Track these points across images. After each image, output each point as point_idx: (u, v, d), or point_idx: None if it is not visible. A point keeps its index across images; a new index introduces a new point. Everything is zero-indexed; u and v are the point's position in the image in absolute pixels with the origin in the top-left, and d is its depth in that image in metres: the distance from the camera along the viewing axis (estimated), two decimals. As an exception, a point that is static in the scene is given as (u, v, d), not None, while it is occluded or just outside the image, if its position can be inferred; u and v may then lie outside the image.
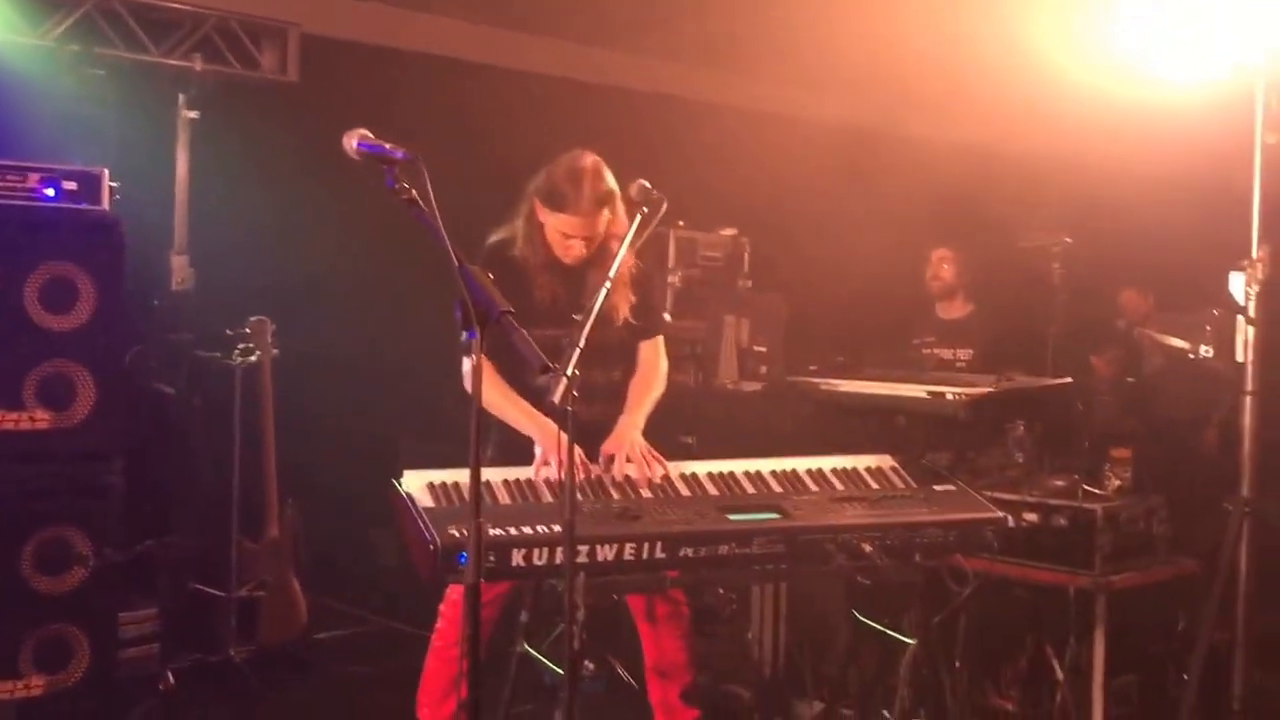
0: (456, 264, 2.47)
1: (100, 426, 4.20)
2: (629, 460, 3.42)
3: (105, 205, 4.27)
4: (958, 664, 4.04)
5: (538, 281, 3.53)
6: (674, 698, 3.75)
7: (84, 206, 4.23)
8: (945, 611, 3.79)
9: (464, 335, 2.49)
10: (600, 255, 3.50)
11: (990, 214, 5.97)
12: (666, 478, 3.43)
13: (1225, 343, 4.05)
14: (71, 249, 4.17)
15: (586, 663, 4.83)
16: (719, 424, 5.28)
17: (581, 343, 3.04)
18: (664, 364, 3.78)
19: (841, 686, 4.29)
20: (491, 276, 2.63)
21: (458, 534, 2.94)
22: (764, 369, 5.48)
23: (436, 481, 3.23)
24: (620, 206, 3.51)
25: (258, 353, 4.83)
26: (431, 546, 2.98)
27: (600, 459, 3.44)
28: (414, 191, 2.48)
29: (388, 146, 2.54)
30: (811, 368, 4.64)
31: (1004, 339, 5.22)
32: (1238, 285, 3.97)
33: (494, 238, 3.63)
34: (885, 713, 3.90)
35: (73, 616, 4.14)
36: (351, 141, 2.59)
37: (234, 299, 5.13)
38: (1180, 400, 6.03)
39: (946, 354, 5.40)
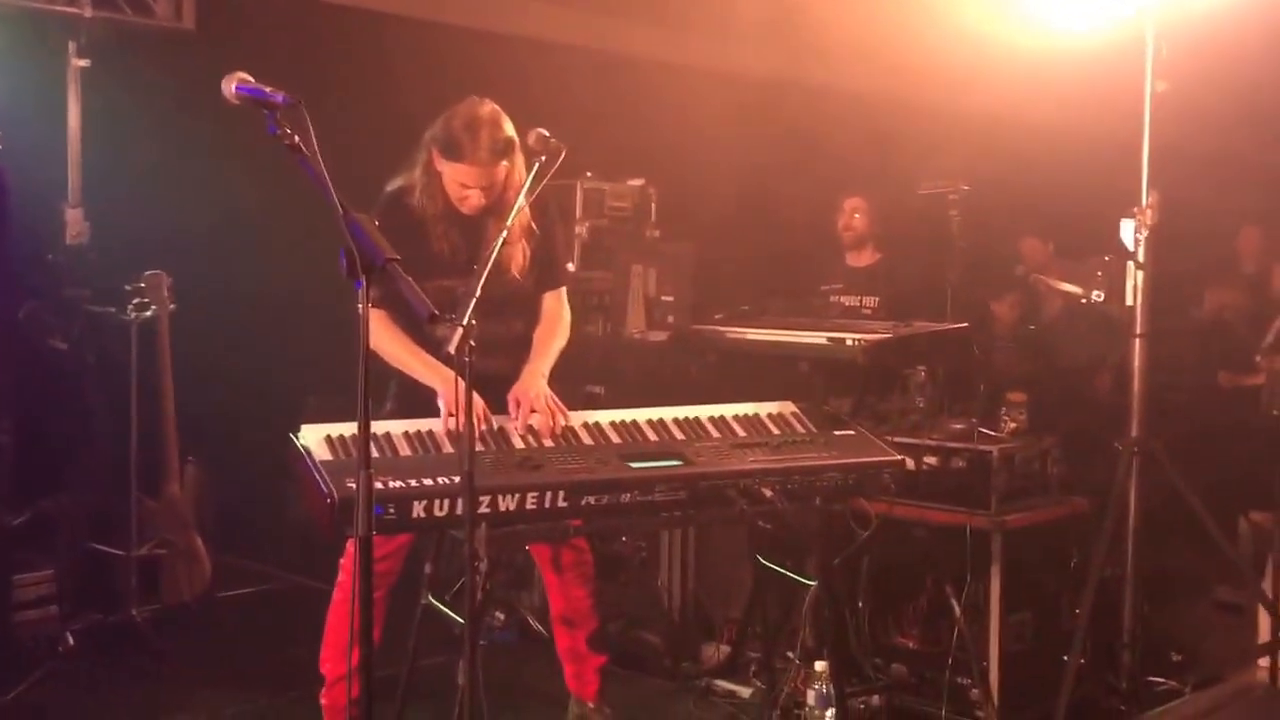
0: (340, 211, 2.42)
1: (-13, 384, 4.10)
2: (534, 410, 3.41)
3: (-14, 155, 4.13)
4: (860, 604, 4.13)
5: (436, 231, 3.47)
6: (581, 644, 3.78)
7: (-39, 156, 4.09)
8: (846, 553, 3.85)
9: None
10: (500, 205, 3.45)
11: (894, 163, 6.03)
12: (569, 428, 3.43)
13: (1116, 287, 4.15)
14: (-50, 200, 4.03)
15: (496, 613, 4.88)
16: (627, 374, 5.28)
17: (478, 292, 3.01)
18: (567, 314, 3.75)
19: (747, 629, 4.36)
20: (386, 224, 2.59)
21: (355, 486, 2.91)
22: (671, 318, 5.48)
23: (334, 435, 3.19)
24: (520, 156, 3.46)
25: (154, 307, 4.72)
26: (329, 500, 2.95)
27: (509, 405, 3.43)
28: (297, 137, 2.42)
29: (267, 90, 2.45)
30: (717, 316, 4.66)
31: (908, 286, 5.27)
32: (1128, 231, 4.07)
33: (392, 185, 3.56)
34: (789, 653, 3.97)
35: (-36, 580, 4.06)
36: (230, 85, 2.51)
37: (130, 252, 4.99)
38: (1076, 345, 6.18)
39: (853, 301, 5.42)
